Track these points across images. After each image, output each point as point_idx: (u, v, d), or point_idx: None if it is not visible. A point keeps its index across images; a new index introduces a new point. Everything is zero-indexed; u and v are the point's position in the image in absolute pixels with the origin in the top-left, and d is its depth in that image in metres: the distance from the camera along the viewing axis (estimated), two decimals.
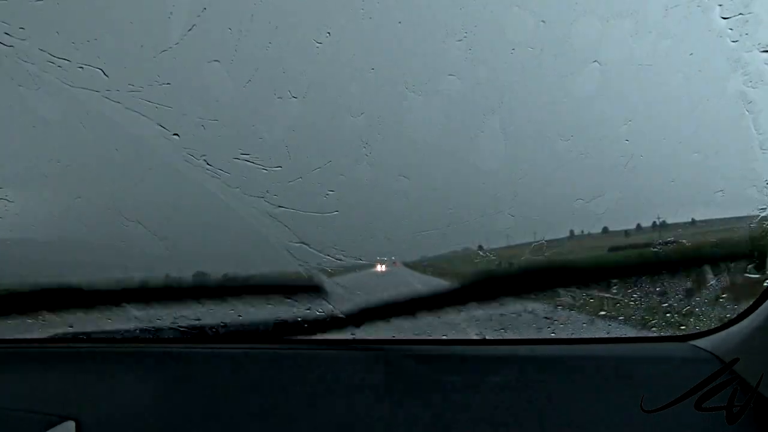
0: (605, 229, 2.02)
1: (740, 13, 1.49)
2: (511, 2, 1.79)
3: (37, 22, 1.86)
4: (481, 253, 2.07)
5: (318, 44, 1.85)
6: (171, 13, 1.84)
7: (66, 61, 1.80)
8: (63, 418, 1.37)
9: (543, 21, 1.76)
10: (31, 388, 1.60)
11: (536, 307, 2.01)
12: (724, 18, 1.51)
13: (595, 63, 1.75)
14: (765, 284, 1.35)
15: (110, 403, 1.50)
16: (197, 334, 1.80)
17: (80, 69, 1.81)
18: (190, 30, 1.84)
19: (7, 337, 1.86)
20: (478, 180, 2.01)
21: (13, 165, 2.05)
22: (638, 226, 2.02)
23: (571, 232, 2.04)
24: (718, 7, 1.52)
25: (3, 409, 1.46)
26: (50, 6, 1.84)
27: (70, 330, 1.85)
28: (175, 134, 1.84)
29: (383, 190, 2.08)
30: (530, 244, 2.10)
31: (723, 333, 1.41)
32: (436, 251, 2.33)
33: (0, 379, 1.67)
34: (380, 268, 2.20)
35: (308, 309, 1.85)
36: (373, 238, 2.07)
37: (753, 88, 1.53)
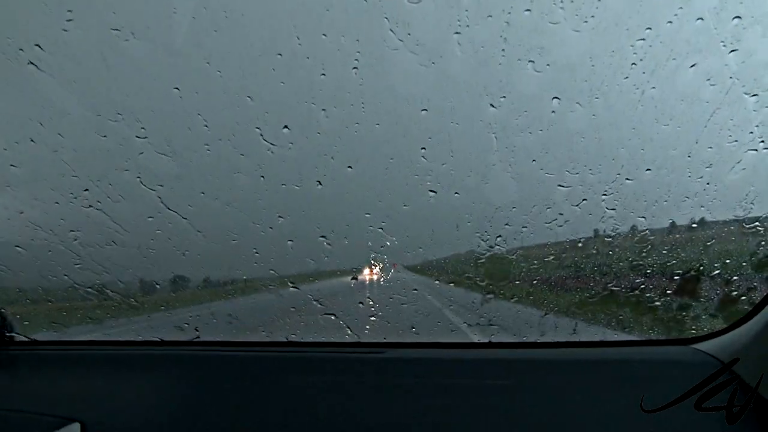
0: (610, 232, 2.01)
1: (737, 17, 1.49)
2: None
3: (37, 23, 1.88)
4: (485, 255, 2.06)
5: (321, 40, 1.86)
6: (174, 12, 1.85)
7: (64, 65, 1.81)
8: (68, 420, 1.39)
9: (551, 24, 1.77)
10: (36, 390, 1.61)
11: (538, 310, 2.01)
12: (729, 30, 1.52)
13: (594, 68, 1.76)
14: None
15: (115, 405, 1.51)
16: (201, 337, 1.81)
17: (78, 71, 1.82)
18: (190, 35, 1.85)
19: (13, 340, 1.87)
20: (482, 183, 2.01)
21: (10, 166, 2.06)
22: (641, 229, 2.02)
23: (576, 235, 2.04)
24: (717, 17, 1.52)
25: (9, 410, 1.47)
26: (49, 5, 1.85)
27: (75, 333, 1.86)
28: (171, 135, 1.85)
29: (384, 192, 2.08)
30: (534, 247, 2.09)
31: (725, 336, 1.41)
32: (439, 254, 2.32)
33: (6, 382, 1.68)
34: (378, 270, 2.20)
35: (310, 313, 1.86)
36: (374, 240, 2.07)
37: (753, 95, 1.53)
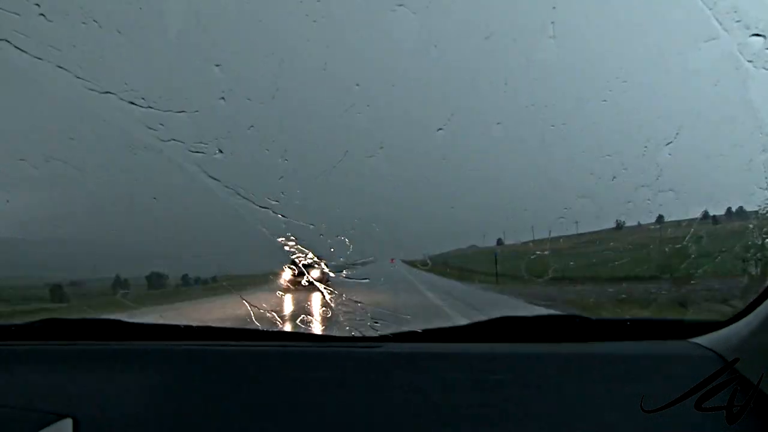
0: (607, 228, 2.00)
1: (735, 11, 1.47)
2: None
3: (37, 20, 1.86)
4: (485, 250, 2.05)
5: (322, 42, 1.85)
6: (166, 14, 1.84)
7: (65, 62, 1.79)
8: (60, 416, 1.37)
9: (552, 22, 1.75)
10: (28, 385, 1.60)
11: (537, 305, 2.00)
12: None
13: (593, 66, 1.74)
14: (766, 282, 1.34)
15: (108, 401, 1.49)
16: (195, 331, 1.80)
17: (79, 70, 1.80)
18: (187, 32, 1.83)
19: (5, 335, 1.86)
20: (482, 180, 2.00)
21: (9, 165, 2.05)
22: (640, 224, 2.01)
23: (573, 230, 2.02)
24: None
25: (0, 406, 1.45)
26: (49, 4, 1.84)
27: (68, 327, 1.85)
28: (172, 140, 1.84)
29: (385, 191, 2.07)
30: (533, 241, 2.08)
31: (724, 330, 1.40)
32: (440, 249, 2.31)
33: None
34: (379, 264, 2.18)
35: (309, 307, 1.84)
36: (375, 236, 2.05)
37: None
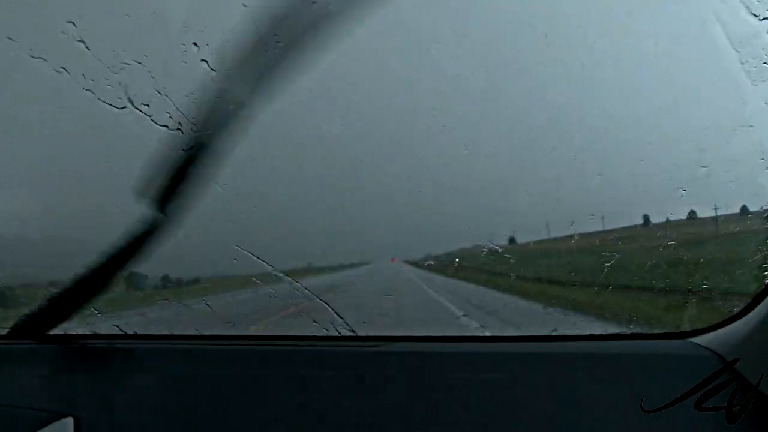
0: (607, 227, 2.00)
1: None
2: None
3: (33, 19, 1.85)
4: (486, 250, 2.04)
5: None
6: (165, 13, 1.83)
7: (62, 65, 1.78)
8: (61, 415, 1.37)
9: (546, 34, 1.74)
10: (29, 384, 1.60)
11: (536, 303, 2.00)
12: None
13: (597, 65, 1.74)
14: (766, 281, 1.34)
15: (109, 400, 1.50)
16: (196, 331, 1.80)
17: (80, 72, 1.79)
18: (185, 31, 1.83)
19: (6, 334, 1.86)
20: (482, 179, 2.00)
21: (9, 165, 2.05)
22: (640, 223, 2.01)
23: (573, 230, 2.02)
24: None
25: (1, 405, 1.46)
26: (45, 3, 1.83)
27: (69, 327, 1.85)
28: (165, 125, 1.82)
29: (386, 189, 2.06)
30: (533, 242, 2.08)
31: (723, 330, 1.40)
32: (442, 248, 2.30)
33: None
34: (379, 265, 2.17)
35: (310, 306, 1.85)
36: (377, 235, 2.05)
37: (754, 85, 1.51)
